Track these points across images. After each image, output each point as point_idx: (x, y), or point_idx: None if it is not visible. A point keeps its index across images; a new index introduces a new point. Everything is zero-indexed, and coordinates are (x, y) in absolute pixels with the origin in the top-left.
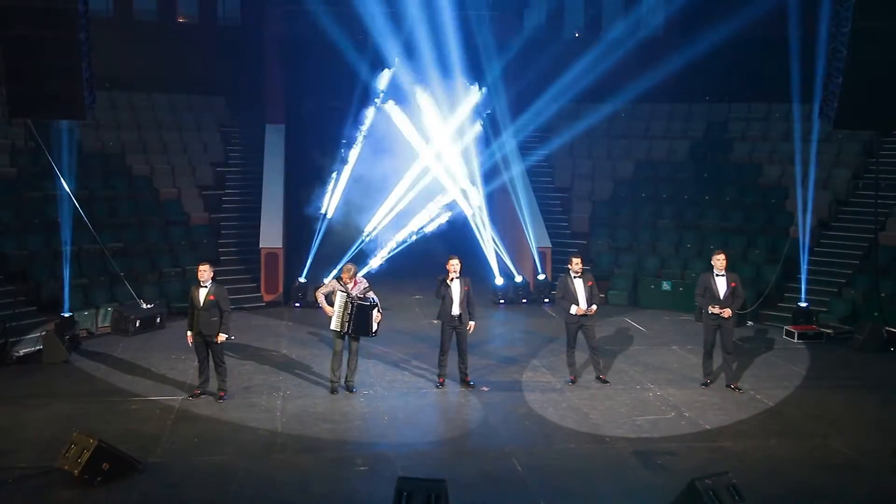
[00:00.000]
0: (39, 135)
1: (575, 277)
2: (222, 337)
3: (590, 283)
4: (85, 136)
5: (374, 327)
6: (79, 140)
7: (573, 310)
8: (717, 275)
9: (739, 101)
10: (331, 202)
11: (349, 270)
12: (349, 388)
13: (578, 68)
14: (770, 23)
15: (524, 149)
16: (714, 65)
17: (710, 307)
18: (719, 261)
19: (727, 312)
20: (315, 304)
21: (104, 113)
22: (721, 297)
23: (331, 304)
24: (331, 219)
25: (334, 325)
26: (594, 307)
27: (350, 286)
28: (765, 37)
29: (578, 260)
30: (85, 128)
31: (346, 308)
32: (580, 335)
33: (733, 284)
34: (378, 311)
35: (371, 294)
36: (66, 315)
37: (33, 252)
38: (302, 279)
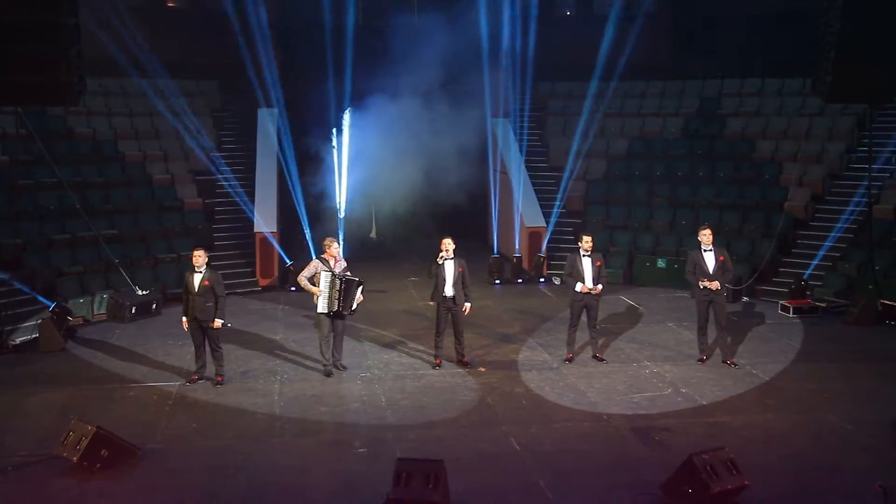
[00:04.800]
0: (30, 122)
1: (584, 256)
2: (218, 322)
3: (598, 263)
4: (76, 123)
5: (354, 305)
6: (70, 127)
7: (578, 287)
8: (704, 250)
9: (732, 76)
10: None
11: (330, 244)
12: (342, 367)
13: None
14: None
15: (517, 129)
16: (707, 41)
17: (700, 282)
18: (705, 236)
19: (715, 284)
20: None
21: (95, 99)
22: (710, 272)
23: (315, 285)
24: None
25: (322, 306)
26: (600, 286)
27: (332, 264)
28: (756, 12)
29: (589, 238)
30: (76, 114)
31: (334, 286)
32: (583, 315)
33: (721, 259)
34: (361, 291)
35: (348, 273)
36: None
37: (27, 240)
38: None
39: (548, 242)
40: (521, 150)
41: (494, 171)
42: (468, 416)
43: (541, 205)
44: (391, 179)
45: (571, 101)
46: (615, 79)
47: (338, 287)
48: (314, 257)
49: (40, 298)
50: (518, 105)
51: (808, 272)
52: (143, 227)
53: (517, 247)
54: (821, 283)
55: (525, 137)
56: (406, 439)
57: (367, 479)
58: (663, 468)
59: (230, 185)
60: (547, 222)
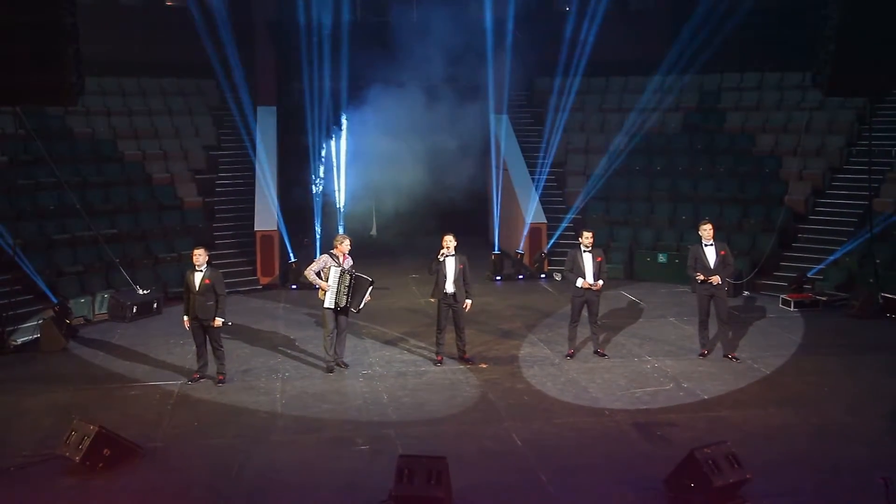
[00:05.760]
0: (30, 122)
1: (584, 252)
2: (219, 321)
3: (599, 259)
4: (75, 123)
5: (362, 304)
6: (69, 127)
7: (579, 283)
8: (705, 245)
9: (731, 70)
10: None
11: (342, 241)
12: (343, 365)
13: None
14: None
15: (517, 125)
16: (706, 35)
17: (700, 276)
18: (706, 230)
19: (715, 279)
20: (312, 287)
21: (94, 99)
22: (711, 266)
23: (323, 280)
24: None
25: (329, 302)
26: (600, 282)
27: (341, 260)
28: (756, 6)
29: (589, 234)
30: (74, 114)
31: (343, 280)
32: (584, 310)
33: (722, 253)
34: (370, 291)
35: (354, 271)
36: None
37: (27, 240)
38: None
39: (547, 238)
40: (520, 147)
41: (496, 167)
42: (470, 413)
43: (540, 201)
44: (391, 176)
45: (572, 97)
46: (614, 74)
47: (347, 282)
48: (319, 253)
49: (45, 290)
50: (518, 101)
51: (816, 269)
52: (144, 226)
53: (521, 243)
54: (822, 276)
55: (524, 134)
56: (408, 436)
57: (370, 477)
58: (665, 463)
59: (230, 183)
60: (548, 219)
